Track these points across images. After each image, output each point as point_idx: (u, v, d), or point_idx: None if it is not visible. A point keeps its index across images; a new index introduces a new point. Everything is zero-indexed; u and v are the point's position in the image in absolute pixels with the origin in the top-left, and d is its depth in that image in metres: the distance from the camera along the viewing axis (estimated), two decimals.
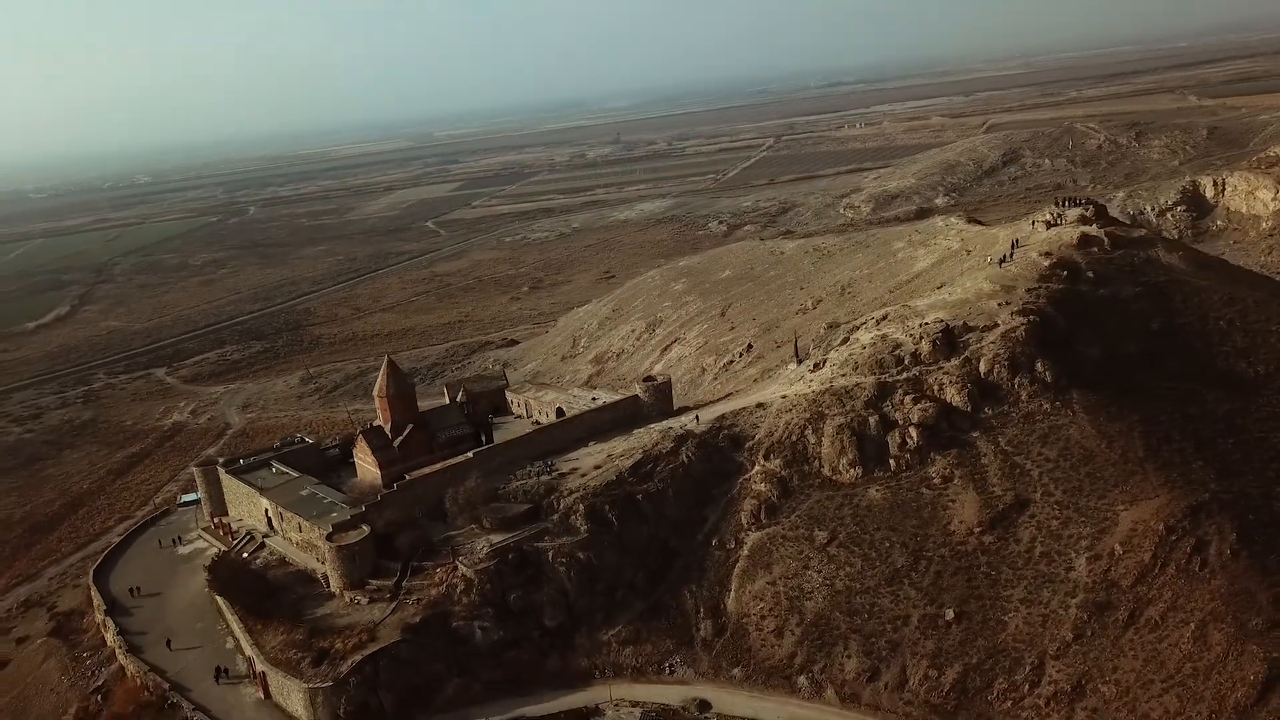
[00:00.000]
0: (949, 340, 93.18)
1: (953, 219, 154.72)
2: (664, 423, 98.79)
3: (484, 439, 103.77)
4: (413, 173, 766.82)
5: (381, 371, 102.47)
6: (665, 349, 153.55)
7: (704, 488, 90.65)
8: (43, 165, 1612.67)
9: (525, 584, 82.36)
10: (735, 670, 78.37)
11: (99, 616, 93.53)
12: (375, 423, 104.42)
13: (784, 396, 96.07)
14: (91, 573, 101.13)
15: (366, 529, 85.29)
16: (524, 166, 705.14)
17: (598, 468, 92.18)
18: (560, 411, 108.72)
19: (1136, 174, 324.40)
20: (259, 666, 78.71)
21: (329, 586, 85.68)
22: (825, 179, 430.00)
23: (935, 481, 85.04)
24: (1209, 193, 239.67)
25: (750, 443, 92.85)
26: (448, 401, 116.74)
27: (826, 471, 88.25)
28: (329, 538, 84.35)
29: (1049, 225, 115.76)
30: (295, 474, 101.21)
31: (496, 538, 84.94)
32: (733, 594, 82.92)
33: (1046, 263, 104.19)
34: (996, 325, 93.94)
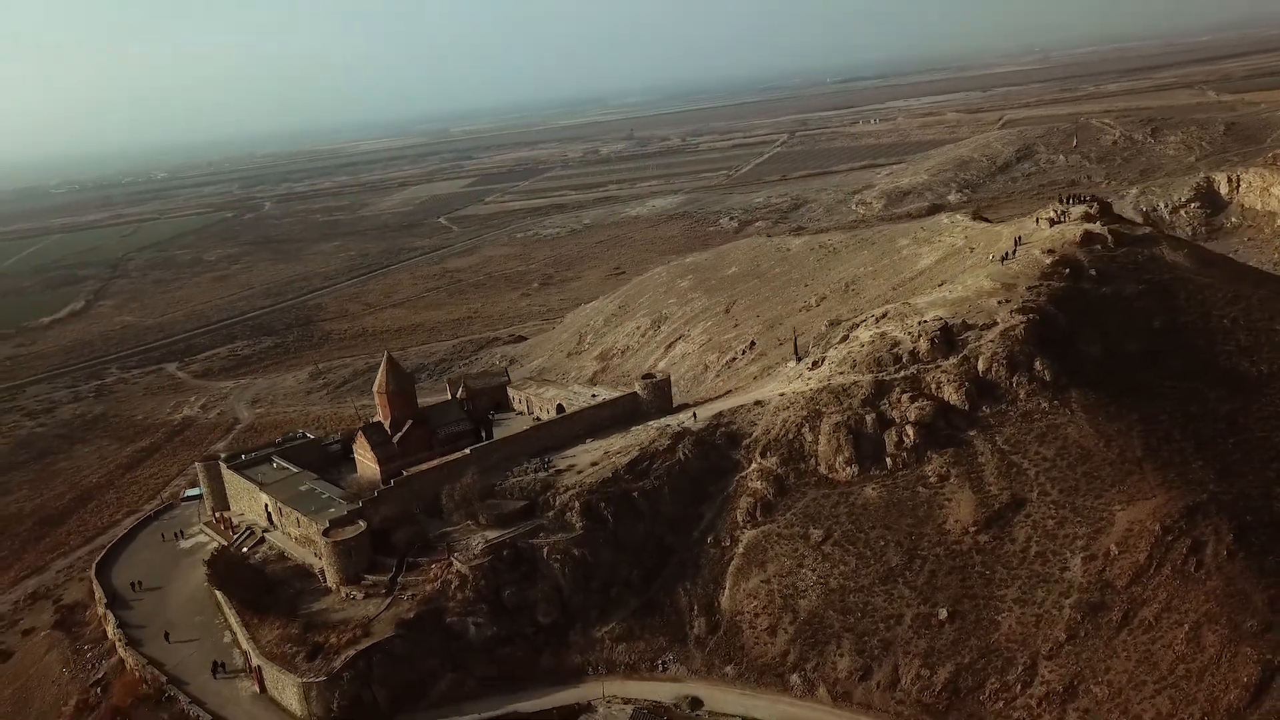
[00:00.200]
0: (947, 338, 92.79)
1: (958, 216, 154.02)
2: (662, 420, 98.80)
3: (484, 435, 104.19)
4: (427, 169, 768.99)
5: (381, 368, 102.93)
6: (670, 346, 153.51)
7: (700, 485, 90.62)
8: (41, 165, 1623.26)
9: (520, 580, 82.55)
10: (728, 668, 78.33)
11: (100, 610, 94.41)
12: (375, 419, 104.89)
13: (782, 394, 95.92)
14: (94, 566, 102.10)
15: (363, 525, 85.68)
16: (538, 162, 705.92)
17: (594, 465, 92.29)
18: (560, 408, 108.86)
19: (1152, 170, 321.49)
20: (254, 661, 79.32)
21: (326, 581, 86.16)
22: (838, 175, 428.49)
23: (931, 480, 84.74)
24: (1223, 189, 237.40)
25: (747, 440, 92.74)
26: (450, 397, 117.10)
27: (823, 470, 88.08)
28: (325, 533, 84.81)
29: (1052, 223, 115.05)
30: (296, 469, 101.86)
31: (492, 534, 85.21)
32: (727, 592, 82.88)
33: (1048, 260, 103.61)
34: (996, 323, 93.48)
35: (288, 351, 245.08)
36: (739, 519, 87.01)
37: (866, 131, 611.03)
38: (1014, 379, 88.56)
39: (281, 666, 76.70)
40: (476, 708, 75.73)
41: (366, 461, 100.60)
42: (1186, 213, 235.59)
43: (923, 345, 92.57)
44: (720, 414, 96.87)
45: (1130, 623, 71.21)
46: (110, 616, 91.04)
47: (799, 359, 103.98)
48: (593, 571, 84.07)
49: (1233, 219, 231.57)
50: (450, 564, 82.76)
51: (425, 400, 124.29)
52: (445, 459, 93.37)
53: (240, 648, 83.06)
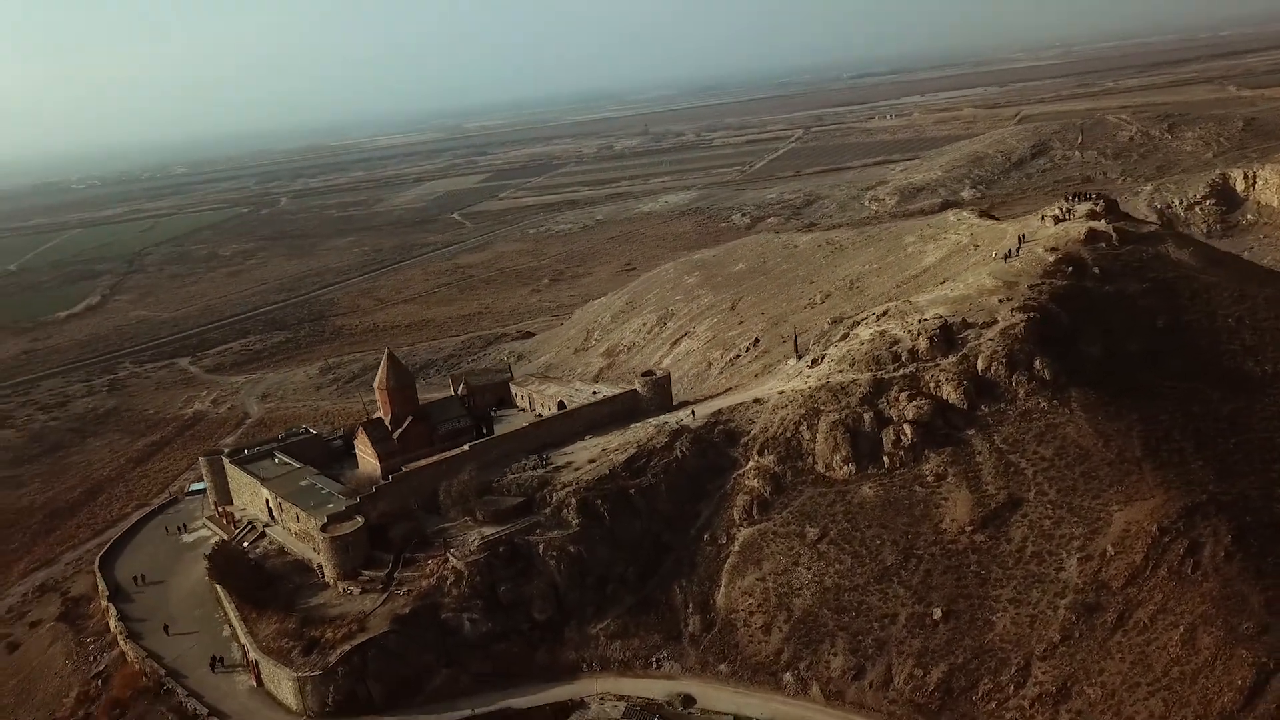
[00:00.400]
0: (947, 337, 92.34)
1: (964, 213, 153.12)
2: (661, 417, 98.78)
3: (484, 432, 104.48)
4: (442, 164, 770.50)
5: (382, 364, 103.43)
6: (675, 342, 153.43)
7: (698, 483, 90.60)
8: (63, 160, 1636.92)
9: (515, 577, 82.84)
10: (722, 666, 78.38)
11: (103, 603, 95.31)
12: (377, 415, 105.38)
13: (780, 392, 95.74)
14: (97, 560, 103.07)
15: (360, 520, 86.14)
16: (552, 158, 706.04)
17: (592, 462, 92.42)
18: (561, 405, 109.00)
19: (1168, 166, 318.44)
20: (252, 655, 79.96)
21: (324, 577, 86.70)
22: (852, 171, 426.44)
23: (928, 479, 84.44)
24: (1239, 186, 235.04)
25: (745, 438, 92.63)
26: (453, 394, 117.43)
27: (820, 468, 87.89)
28: (323, 528, 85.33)
29: (1057, 220, 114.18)
30: (297, 465, 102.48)
31: (488, 530, 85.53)
32: (722, 589, 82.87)
33: (1051, 258, 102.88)
34: (996, 322, 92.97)
35: (299, 346, 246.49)
36: (735, 517, 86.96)
37: (881, 127, 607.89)
38: (1013, 378, 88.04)
39: (277, 660, 77.34)
40: (471, 703, 76.21)
41: (367, 457, 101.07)
42: (1201, 210, 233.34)
43: (922, 344, 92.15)
44: (719, 412, 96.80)
45: (1125, 624, 70.82)
46: (112, 609, 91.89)
47: (799, 357, 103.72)
48: (589, 568, 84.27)
49: (1248, 216, 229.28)
50: (446, 560, 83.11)
51: (434, 396, 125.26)
52: (443, 455, 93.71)
53: (239, 642, 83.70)
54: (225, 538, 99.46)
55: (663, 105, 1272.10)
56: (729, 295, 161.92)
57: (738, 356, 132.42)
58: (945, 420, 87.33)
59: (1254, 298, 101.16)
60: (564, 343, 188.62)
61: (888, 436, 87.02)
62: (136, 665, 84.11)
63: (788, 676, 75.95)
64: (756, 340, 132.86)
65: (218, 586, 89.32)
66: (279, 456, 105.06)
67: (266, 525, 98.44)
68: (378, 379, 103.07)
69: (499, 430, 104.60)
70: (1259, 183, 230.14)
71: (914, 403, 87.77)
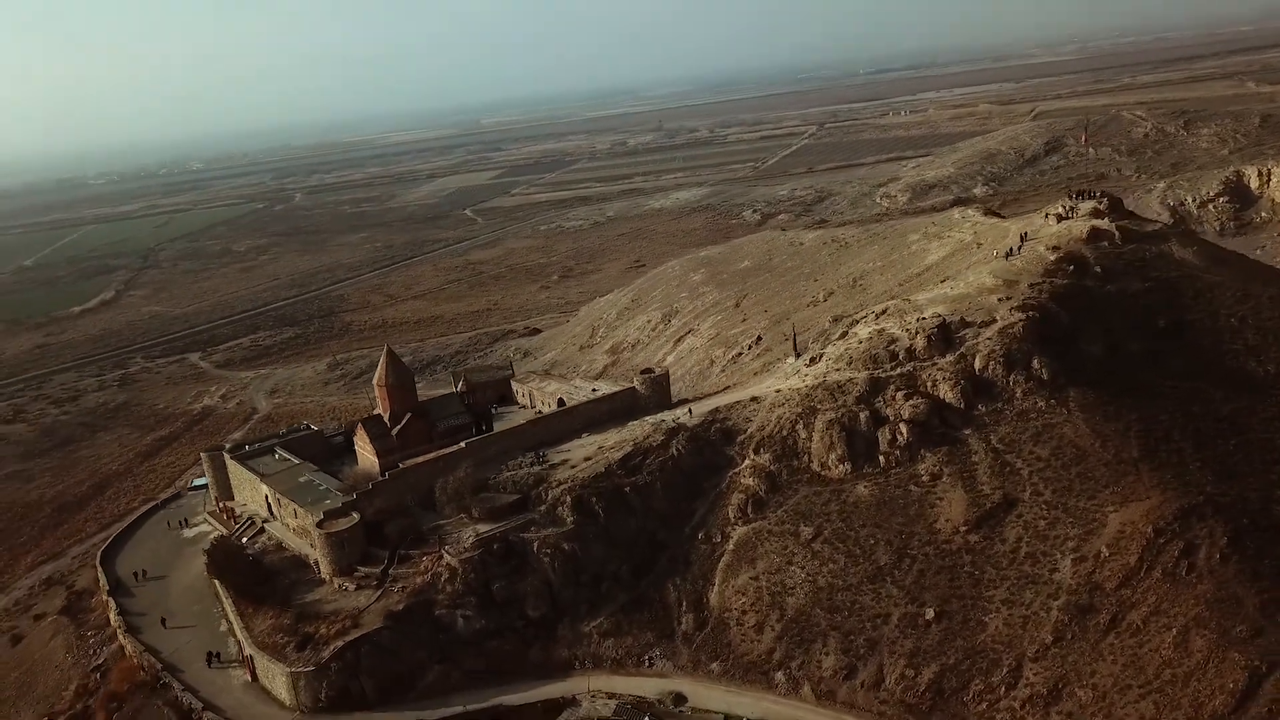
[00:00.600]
0: (945, 336, 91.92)
1: (970, 211, 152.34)
2: (658, 415, 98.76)
3: (483, 429, 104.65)
4: (455, 160, 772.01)
5: (381, 361, 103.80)
6: (679, 340, 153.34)
7: (694, 481, 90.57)
8: (82, 155, 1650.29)
9: (509, 574, 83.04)
10: (714, 664, 78.34)
11: (104, 597, 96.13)
12: (376, 411, 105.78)
13: (778, 391, 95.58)
14: (99, 554, 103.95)
15: (356, 517, 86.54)
16: (565, 154, 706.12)
17: (588, 459, 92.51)
18: (561, 402, 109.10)
19: (1183, 163, 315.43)
20: (247, 650, 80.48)
21: (320, 573, 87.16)
22: (864, 168, 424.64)
23: (924, 479, 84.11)
24: (1253, 183, 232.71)
25: (742, 437, 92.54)
26: (455, 391, 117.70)
27: (816, 467, 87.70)
28: (319, 524, 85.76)
29: (1060, 218, 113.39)
30: (297, 461, 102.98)
31: (483, 527, 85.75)
32: (716, 588, 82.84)
33: (1053, 257, 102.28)
34: (995, 321, 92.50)
35: (308, 342, 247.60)
36: (731, 515, 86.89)
37: (896, 123, 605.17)
38: (1011, 377, 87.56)
39: (272, 656, 77.82)
40: (463, 700, 76.46)
41: (366, 454, 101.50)
42: (1215, 207, 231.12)
43: (919, 342, 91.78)
44: (716, 410, 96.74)
45: (1118, 626, 70.36)
46: (112, 604, 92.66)
47: (797, 355, 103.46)
48: (583, 566, 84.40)
49: (1262, 214, 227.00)
50: (440, 557, 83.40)
51: (438, 393, 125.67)
52: (440, 452, 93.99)
53: (235, 637, 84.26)
54: (225, 533, 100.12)
55: (678, 101, 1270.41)
56: (734, 293, 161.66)
57: (740, 354, 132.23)
58: (942, 420, 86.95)
59: (1258, 297, 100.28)
60: (570, 340, 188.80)
61: (883, 436, 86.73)
62: (134, 659, 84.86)
63: (779, 676, 75.85)
64: (759, 338, 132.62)
65: (216, 582, 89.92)
66: (279, 452, 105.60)
67: (266, 521, 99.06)
68: (377, 376, 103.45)
69: (499, 427, 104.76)
70: (1273, 180, 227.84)
71: (910, 402, 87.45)
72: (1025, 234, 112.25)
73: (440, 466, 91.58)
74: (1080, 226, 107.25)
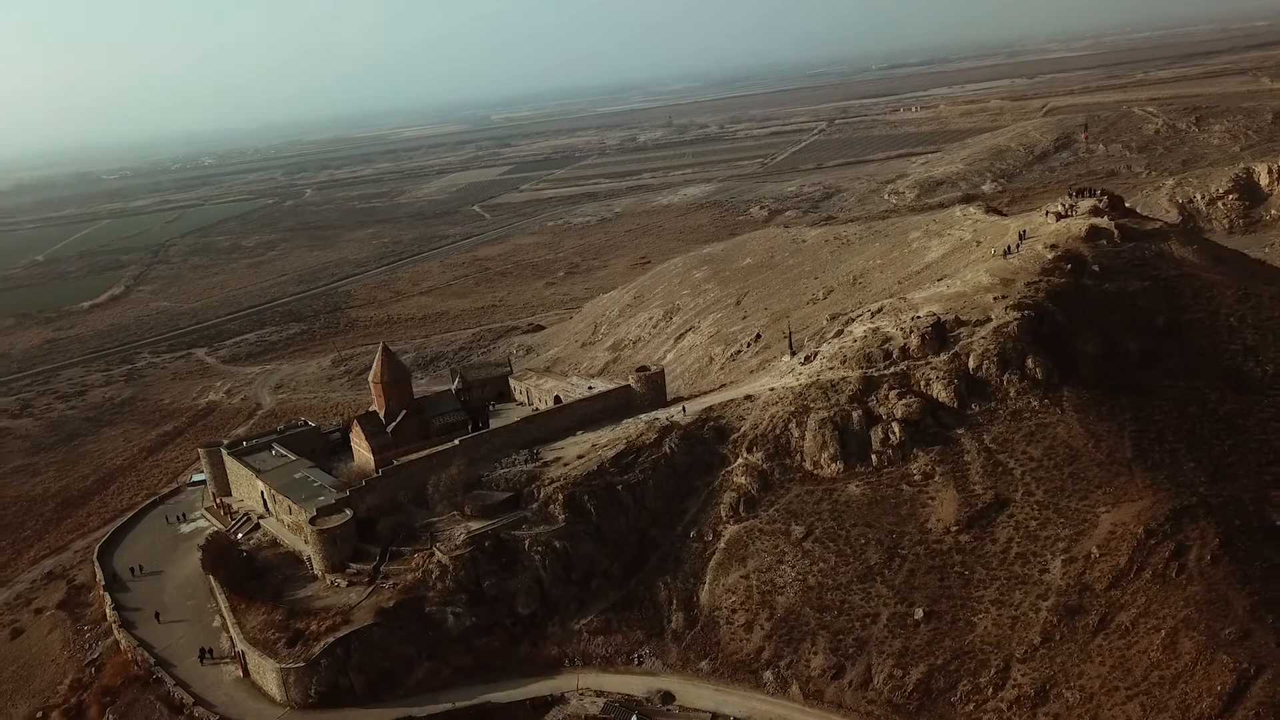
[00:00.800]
0: (939, 335, 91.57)
1: (971, 208, 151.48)
2: (652, 413, 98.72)
3: (479, 426, 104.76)
4: (466, 156, 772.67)
5: (377, 358, 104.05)
6: (680, 337, 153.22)
7: (686, 479, 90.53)
8: (98, 150, 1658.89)
9: (500, 571, 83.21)
10: (703, 663, 78.34)
11: (100, 591, 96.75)
12: (372, 408, 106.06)
13: (772, 389, 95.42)
14: (96, 549, 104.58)
15: (348, 513, 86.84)
16: (574, 150, 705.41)
17: (581, 457, 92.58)
18: (557, 399, 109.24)
19: (1194, 160, 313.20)
20: (238, 645, 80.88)
21: (313, 569, 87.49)
22: (873, 164, 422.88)
23: (916, 478, 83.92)
24: (1263, 180, 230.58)
25: (735, 435, 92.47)
26: (451, 388, 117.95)
27: (808, 466, 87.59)
28: (312, 521, 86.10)
29: (1059, 217, 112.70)
30: (293, 457, 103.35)
31: (475, 525, 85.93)
32: (706, 586, 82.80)
33: (1051, 255, 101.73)
34: (989, 320, 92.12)
35: (313, 338, 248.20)
36: (722, 514, 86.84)
37: (906, 119, 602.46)
38: (1005, 377, 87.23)
39: (263, 651, 78.26)
40: (451, 696, 76.66)
41: (361, 450, 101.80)
42: (1224, 204, 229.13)
43: (914, 341, 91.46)
44: (710, 408, 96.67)
45: (1106, 627, 70.07)
46: (108, 598, 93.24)
47: (793, 353, 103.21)
48: (573, 564, 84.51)
49: (1272, 211, 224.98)
50: (432, 554, 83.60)
51: (438, 390, 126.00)
52: (433, 449, 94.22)
53: (229, 632, 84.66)
54: (221, 529, 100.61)
55: (688, 97, 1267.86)
56: (735, 290, 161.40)
57: (739, 352, 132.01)
58: (935, 419, 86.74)
59: (1258, 296, 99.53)
60: (572, 336, 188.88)
61: (876, 435, 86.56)
62: (128, 654, 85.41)
63: (768, 675, 75.79)
64: (758, 336, 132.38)
65: (210, 577, 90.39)
66: (276, 449, 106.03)
67: (262, 517, 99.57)
68: (373, 373, 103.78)
69: (495, 424, 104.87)
70: None
71: (903, 401, 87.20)
72: (1024, 232, 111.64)
73: (433, 463, 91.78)
74: (1079, 225, 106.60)
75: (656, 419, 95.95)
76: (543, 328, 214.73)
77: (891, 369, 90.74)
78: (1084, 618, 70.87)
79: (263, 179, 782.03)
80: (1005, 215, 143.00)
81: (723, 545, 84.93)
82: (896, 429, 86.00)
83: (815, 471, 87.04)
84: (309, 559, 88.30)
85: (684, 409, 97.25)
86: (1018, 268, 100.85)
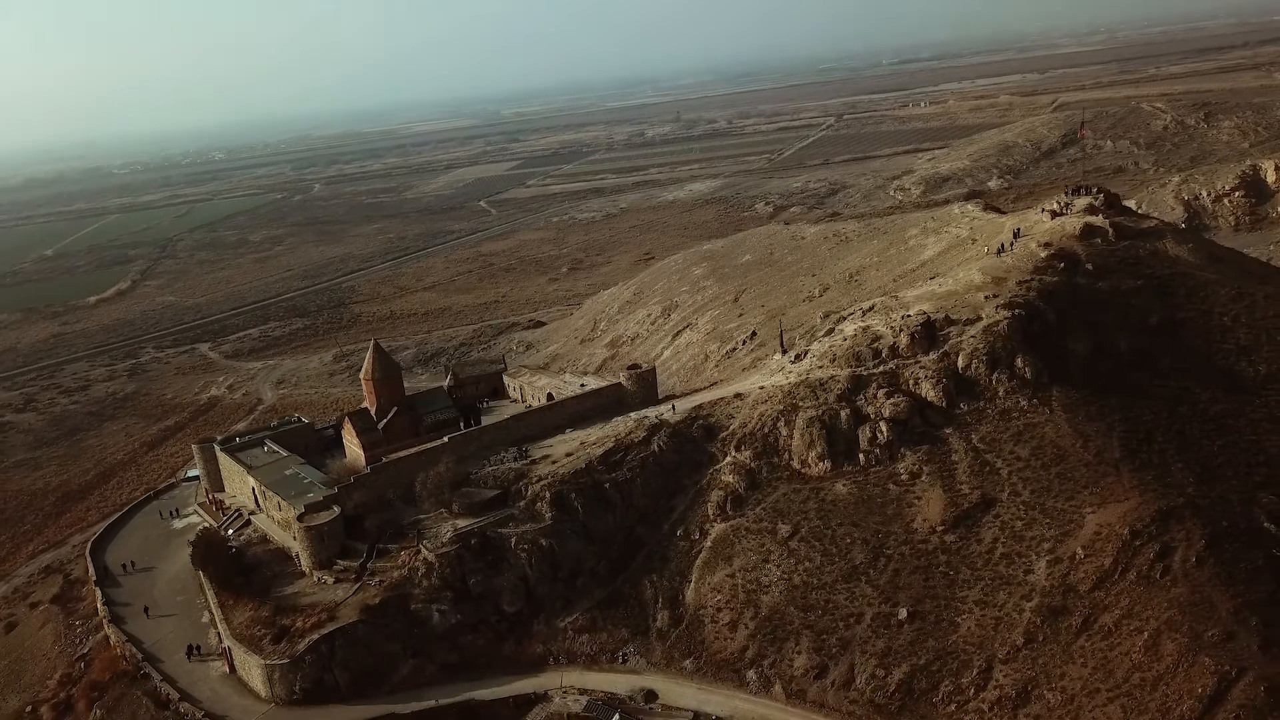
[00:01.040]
0: (929, 333, 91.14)
1: (969, 206, 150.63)
2: (642, 411, 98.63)
3: (471, 423, 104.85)
4: (474, 151, 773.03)
5: (368, 355, 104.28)
6: (677, 334, 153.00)
7: (675, 477, 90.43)
8: (109, 145, 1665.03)
9: (486, 569, 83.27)
10: (687, 662, 78.30)
11: (92, 586, 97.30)
12: (364, 405, 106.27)
13: (761, 388, 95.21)
14: (89, 544, 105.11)
15: (336, 510, 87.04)
16: (582, 145, 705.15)
17: (569, 455, 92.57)
18: (550, 397, 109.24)
19: (1203, 157, 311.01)
20: (225, 641, 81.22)
21: (301, 565, 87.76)
22: (880, 160, 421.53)
23: (903, 478, 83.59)
24: (1270, 177, 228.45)
25: (724, 433, 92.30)
26: (446, 384, 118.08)
27: (796, 464, 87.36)
28: (299, 518, 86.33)
29: (1054, 215, 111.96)
30: (285, 453, 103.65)
31: (462, 522, 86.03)
32: (692, 585, 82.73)
33: (1044, 254, 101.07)
34: (980, 319, 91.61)
35: (316, 333, 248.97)
36: (710, 512, 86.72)
37: (915, 115, 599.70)
38: (994, 376, 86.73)
39: (248, 648, 78.54)
40: (435, 694, 76.83)
41: (353, 447, 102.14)
42: (1230, 202, 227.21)
43: (903, 340, 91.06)
44: (700, 406, 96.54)
45: (1090, 628, 69.67)
46: (98, 593, 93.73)
47: (784, 351, 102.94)
48: (560, 562, 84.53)
49: (1279, 208, 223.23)
50: (419, 551, 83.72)
51: (432, 386, 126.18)
52: (422, 447, 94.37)
53: (216, 628, 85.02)
54: (213, 524, 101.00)
55: (698, 92, 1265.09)
56: (733, 287, 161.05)
57: (734, 349, 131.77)
58: (923, 418, 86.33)
59: (1252, 295, 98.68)
60: (572, 333, 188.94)
61: (864, 434, 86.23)
62: (117, 649, 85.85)
63: (751, 674, 75.70)
64: (753, 333, 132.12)
65: (200, 573, 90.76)
66: (269, 445, 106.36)
67: (253, 513, 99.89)
68: (364, 370, 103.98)
69: (488, 421, 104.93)
70: None
71: (891, 400, 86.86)
72: (1018, 230, 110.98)
73: (422, 461, 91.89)
74: (1074, 223, 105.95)
75: (646, 417, 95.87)
76: (543, 324, 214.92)
77: (880, 368, 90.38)
78: (1067, 619, 70.49)
79: (272, 173, 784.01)
80: (1003, 213, 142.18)
81: (709, 544, 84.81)
82: (884, 428, 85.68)
83: (803, 470, 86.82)
84: (297, 555, 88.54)
85: (674, 407, 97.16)
86: (1010, 266, 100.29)
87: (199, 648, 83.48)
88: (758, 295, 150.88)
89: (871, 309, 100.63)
